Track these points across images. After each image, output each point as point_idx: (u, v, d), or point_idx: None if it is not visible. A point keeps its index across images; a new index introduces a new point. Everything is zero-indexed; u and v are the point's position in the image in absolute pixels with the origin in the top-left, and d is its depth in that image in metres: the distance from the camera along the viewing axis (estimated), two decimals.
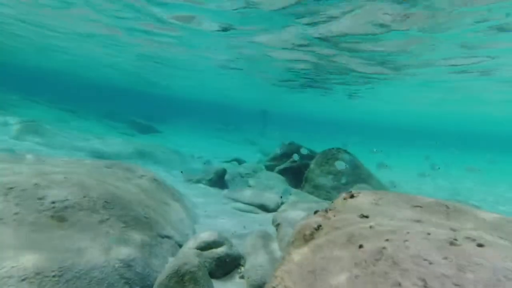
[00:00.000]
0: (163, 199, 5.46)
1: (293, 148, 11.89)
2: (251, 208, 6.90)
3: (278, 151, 12.03)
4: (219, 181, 9.16)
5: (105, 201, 3.71)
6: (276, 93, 26.97)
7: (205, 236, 4.02)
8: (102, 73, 32.21)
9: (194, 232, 5.23)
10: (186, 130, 29.11)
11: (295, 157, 10.36)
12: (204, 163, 9.99)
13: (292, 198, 7.99)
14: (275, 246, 4.32)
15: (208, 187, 8.76)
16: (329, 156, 9.68)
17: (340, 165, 8.40)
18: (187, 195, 7.37)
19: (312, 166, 9.94)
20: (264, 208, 6.85)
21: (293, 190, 9.18)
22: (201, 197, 7.64)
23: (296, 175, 10.61)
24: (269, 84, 22.05)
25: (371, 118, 44.25)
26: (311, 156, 11.63)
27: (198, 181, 9.14)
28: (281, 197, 7.35)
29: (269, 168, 11.14)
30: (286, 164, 10.60)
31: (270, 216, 6.43)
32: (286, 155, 11.46)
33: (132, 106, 37.91)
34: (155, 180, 6.02)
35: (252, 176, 9.86)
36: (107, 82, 43.80)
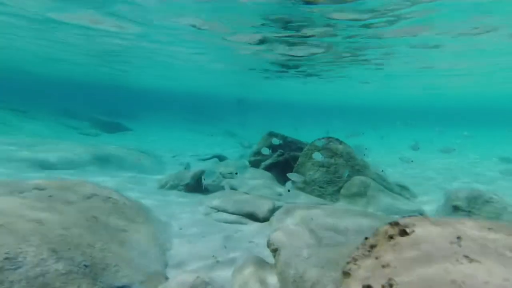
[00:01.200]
0: (120, 225, 4.13)
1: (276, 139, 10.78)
2: (237, 218, 5.74)
3: (258, 146, 10.76)
4: (197, 185, 7.87)
5: (6, 257, 2.34)
6: (253, 80, 25.59)
7: (175, 286, 2.80)
8: (56, 68, 28.83)
9: (164, 265, 3.98)
10: (159, 125, 27.04)
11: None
12: (185, 168, 8.64)
13: (285, 199, 6.92)
14: (273, 282, 3.20)
15: (184, 194, 7.45)
16: (319, 148, 8.70)
17: (317, 156, 7.68)
18: (158, 208, 6.05)
19: (301, 159, 8.93)
20: (253, 217, 5.71)
21: (282, 188, 8.13)
22: (175, 208, 6.35)
23: (284, 170, 9.56)
24: (246, 70, 20.65)
25: (355, 101, 44.14)
26: (299, 147, 10.63)
27: (173, 187, 7.79)
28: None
29: (254, 164, 9.97)
30: (273, 158, 9.49)
31: (261, 227, 5.31)
32: (271, 148, 10.34)
33: (96, 102, 34.64)
34: (109, 198, 4.63)
35: (235, 175, 8.66)
36: (64, 77, 39.69)
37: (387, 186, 7.55)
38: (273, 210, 5.75)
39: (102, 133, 16.90)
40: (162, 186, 7.80)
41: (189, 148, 16.43)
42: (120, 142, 14.84)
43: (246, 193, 7.30)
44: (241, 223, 5.65)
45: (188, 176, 7.97)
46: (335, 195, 7.87)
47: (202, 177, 8.10)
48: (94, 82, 44.20)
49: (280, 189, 7.78)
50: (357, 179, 7.42)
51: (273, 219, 5.28)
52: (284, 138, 11.00)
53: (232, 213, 5.87)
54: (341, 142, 8.69)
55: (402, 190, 7.63)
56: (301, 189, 8.44)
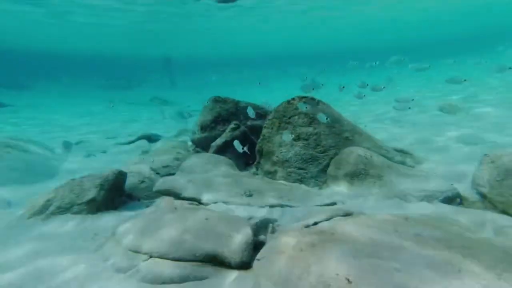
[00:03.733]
0: None
1: (228, 107, 7.86)
2: (187, 271, 3.01)
3: (202, 119, 7.50)
4: (113, 198, 4.68)
5: None
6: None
7: None
8: None
9: None
10: (63, 97, 20.46)
11: (250, 111, 6.55)
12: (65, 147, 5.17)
13: (258, 199, 4.38)
14: None
15: (84, 221, 4.22)
16: (291, 113, 6.24)
17: (286, 136, 5.64)
18: (19, 277, 2.85)
19: (265, 131, 6.40)
20: (217, 262, 3.06)
21: (247, 179, 5.58)
22: (57, 265, 3.22)
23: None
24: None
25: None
26: (257, 113, 7.99)
27: (62, 211, 4.42)
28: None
29: (201, 144, 7.00)
30: (226, 135, 6.66)
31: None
32: (221, 120, 7.41)
33: None
34: None
35: (175, 168, 5.64)
36: None
37: (386, 155, 5.71)
38: (252, 244, 3.18)
39: None
40: (39, 212, 4.34)
41: (105, 126, 12.12)
42: None
43: (195, 200, 4.51)
44: (198, 279, 2.96)
45: (92, 185, 4.65)
46: (320, 177, 5.75)
47: (123, 182, 4.86)
48: None
49: (247, 181, 5.20)
50: (351, 152, 5.32)
51: (259, 273, 2.74)
52: (235, 103, 8.17)
53: (177, 260, 3.11)
54: (318, 102, 6.36)
55: (403, 156, 5.92)
56: (272, 174, 6.07)
